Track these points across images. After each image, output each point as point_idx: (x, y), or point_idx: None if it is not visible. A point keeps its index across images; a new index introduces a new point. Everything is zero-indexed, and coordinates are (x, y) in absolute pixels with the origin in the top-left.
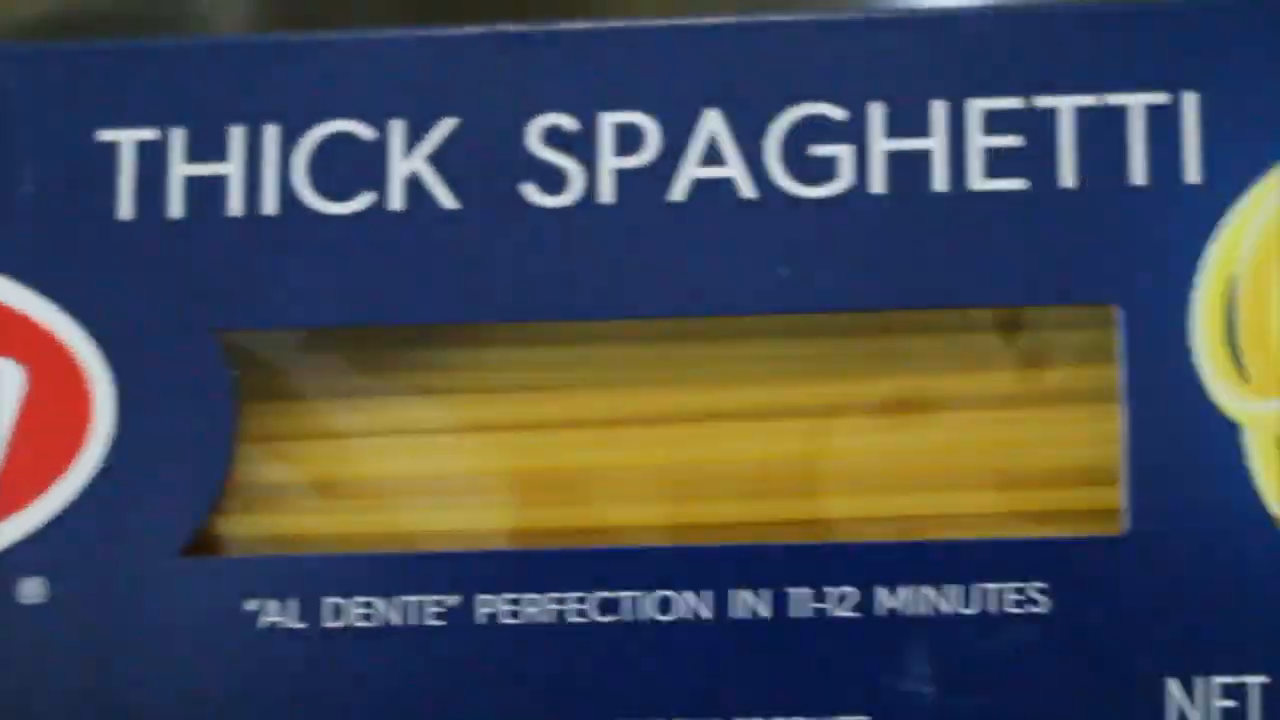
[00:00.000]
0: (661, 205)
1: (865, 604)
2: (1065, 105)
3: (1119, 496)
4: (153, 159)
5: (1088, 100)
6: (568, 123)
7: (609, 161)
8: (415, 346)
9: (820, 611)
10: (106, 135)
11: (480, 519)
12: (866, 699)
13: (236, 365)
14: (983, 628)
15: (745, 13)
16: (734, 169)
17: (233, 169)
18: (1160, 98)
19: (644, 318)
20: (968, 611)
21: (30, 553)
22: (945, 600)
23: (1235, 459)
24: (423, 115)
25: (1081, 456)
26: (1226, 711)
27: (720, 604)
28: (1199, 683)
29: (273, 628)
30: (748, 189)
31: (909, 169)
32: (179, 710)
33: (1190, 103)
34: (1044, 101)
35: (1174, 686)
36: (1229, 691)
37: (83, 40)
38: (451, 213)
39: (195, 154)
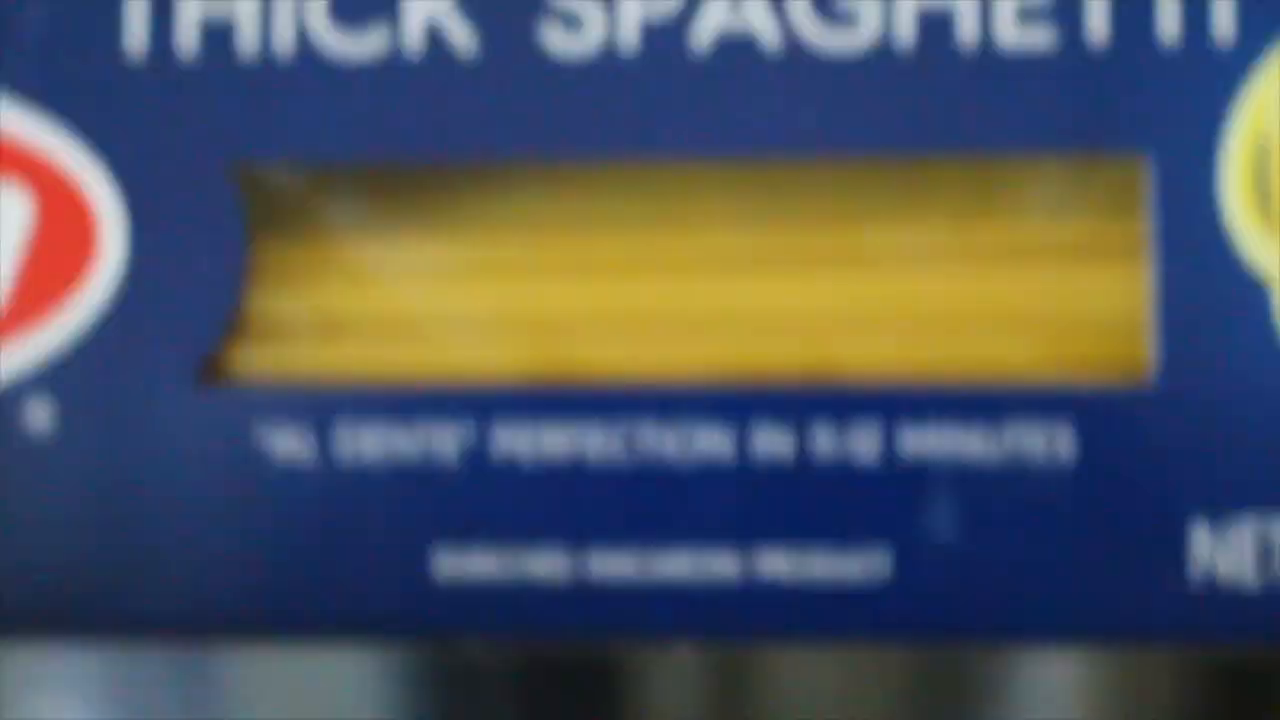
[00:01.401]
0: (683, 52)
1: (889, 445)
2: None
3: (1147, 349)
4: None
5: None
6: None
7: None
8: (430, 185)
9: (843, 453)
10: None
11: (494, 358)
12: (890, 537)
13: (249, 197)
14: (1008, 472)
15: None
16: (758, 20)
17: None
18: None
19: (663, 159)
20: (993, 455)
21: (38, 378)
22: (970, 442)
23: (1262, 315)
24: None
25: (1113, 308)
26: (1251, 555)
27: (742, 443)
28: (1224, 528)
29: (285, 458)
30: (773, 40)
31: (937, 22)
32: (189, 541)
33: None
34: None
35: (1201, 532)
36: (1256, 536)
37: None
38: (469, 53)
39: None
